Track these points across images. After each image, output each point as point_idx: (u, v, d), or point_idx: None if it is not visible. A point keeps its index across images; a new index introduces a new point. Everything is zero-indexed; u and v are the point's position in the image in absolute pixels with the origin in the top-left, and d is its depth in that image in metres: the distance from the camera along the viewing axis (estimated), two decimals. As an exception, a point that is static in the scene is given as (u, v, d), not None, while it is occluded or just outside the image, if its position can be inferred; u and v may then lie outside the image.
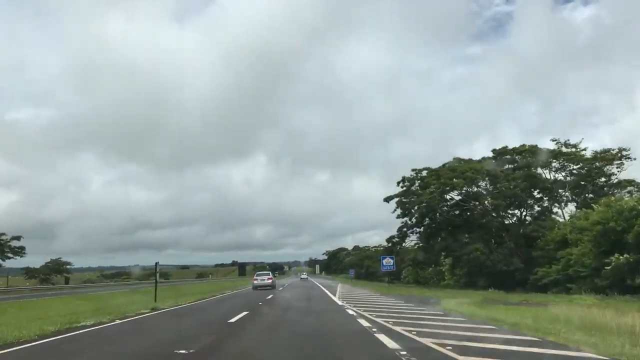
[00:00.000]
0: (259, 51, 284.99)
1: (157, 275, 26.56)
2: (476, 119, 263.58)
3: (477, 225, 44.80)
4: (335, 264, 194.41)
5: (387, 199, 48.64)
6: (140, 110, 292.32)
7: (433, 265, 59.58)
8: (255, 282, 43.00)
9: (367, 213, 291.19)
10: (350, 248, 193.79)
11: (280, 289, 41.08)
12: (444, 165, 46.52)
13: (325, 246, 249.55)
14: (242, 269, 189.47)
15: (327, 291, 34.09)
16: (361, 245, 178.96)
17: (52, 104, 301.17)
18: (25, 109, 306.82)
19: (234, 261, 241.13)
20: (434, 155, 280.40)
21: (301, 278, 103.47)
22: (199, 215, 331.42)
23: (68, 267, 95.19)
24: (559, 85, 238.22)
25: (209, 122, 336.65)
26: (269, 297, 27.95)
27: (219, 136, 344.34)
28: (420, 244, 49.10)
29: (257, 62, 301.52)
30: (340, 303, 21.82)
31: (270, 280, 43.32)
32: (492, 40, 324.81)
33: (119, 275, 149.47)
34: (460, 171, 41.73)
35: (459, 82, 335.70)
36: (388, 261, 42.37)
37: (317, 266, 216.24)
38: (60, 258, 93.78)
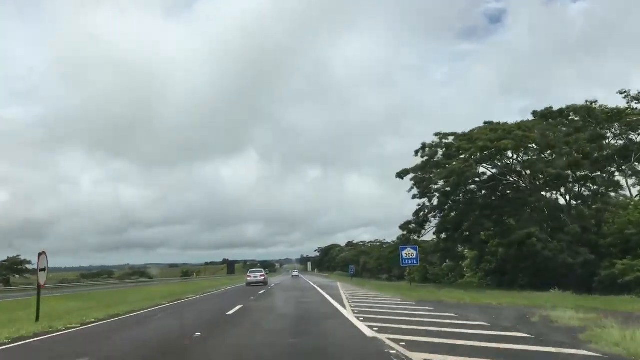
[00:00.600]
0: (250, 46, 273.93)
1: (41, 278, 15.04)
2: (470, 114, 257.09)
3: (520, 205, 33.69)
4: (329, 260, 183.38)
5: (401, 174, 37.29)
6: (129, 106, 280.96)
7: (447, 260, 48.43)
8: (248, 278, 45.32)
9: (359, 211, 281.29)
10: (342, 245, 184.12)
11: (262, 292, 29.78)
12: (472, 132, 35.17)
13: (317, 244, 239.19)
14: (231, 267, 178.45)
15: (327, 296, 22.83)
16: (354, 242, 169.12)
17: (38, 100, 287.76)
18: (11, 106, 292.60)
19: (224, 259, 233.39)
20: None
21: (292, 276, 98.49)
22: (190, 214, 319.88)
23: (27, 266, 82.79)
24: (551, 79, 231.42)
25: (200, 118, 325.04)
26: (233, 310, 16.36)
27: (209, 133, 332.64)
28: (442, 232, 37.65)
29: (249, 57, 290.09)
30: (366, 331, 10.29)
31: (262, 277, 45.38)
32: (486, 35, 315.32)
33: (99, 275, 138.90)
34: (504, 130, 30.47)
35: (453, 78, 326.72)
36: (410, 253, 30.86)
37: (309, 263, 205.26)
38: (18, 256, 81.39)
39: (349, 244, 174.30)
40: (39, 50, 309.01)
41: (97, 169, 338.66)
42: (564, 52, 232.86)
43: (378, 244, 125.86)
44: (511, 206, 33.91)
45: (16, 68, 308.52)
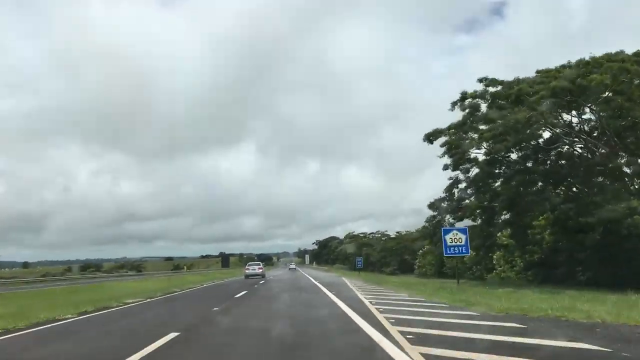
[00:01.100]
0: (248, 36, 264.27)
1: None
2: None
3: (595, 175, 24.49)
4: (327, 253, 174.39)
5: (430, 137, 27.95)
6: (125, 98, 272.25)
7: (482, 251, 39.08)
8: (247, 271, 46.36)
9: (357, 203, 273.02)
10: (341, 237, 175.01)
11: (241, 294, 20.42)
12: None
13: (314, 237, 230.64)
14: (225, 260, 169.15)
15: (340, 303, 13.58)
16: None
17: (32, 91, 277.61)
18: (5, 97, 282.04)
19: (220, 253, 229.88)
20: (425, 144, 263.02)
21: (289, 269, 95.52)
22: (187, 207, 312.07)
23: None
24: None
25: (196, 110, 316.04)
26: (165, 339, 7.17)
27: (206, 124, 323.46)
28: (482, 213, 28.35)
29: (247, 48, 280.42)
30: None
31: (260, 270, 46.61)
32: (485, 26, 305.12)
33: (87, 268, 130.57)
34: (595, 64, 21.05)
35: (453, 69, 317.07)
36: (456, 238, 21.19)
37: (307, 256, 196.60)
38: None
39: (349, 235, 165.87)
40: (33, 41, 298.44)
41: (93, 161, 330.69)
42: (565, 43, 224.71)
43: (379, 234, 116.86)
44: (584, 176, 24.61)
45: (10, 59, 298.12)
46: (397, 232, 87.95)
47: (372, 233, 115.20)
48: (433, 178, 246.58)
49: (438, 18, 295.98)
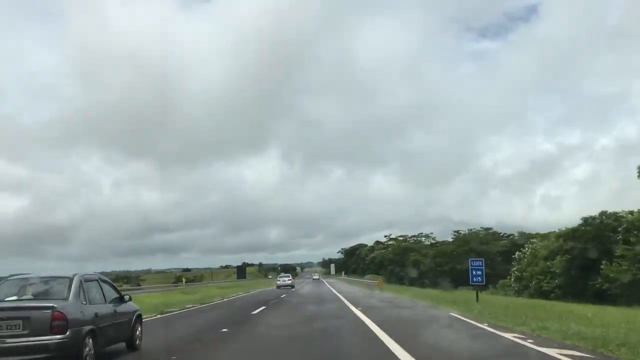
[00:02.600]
0: (270, 37, 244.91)
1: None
2: (502, 107, 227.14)
3: None
4: (355, 262, 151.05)
5: None
6: (146, 103, 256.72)
7: None
8: (278, 282, 48.80)
9: (383, 211, 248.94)
10: (370, 244, 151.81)
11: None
12: None
13: (338, 247, 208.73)
14: (241, 271, 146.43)
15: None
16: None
17: (52, 98, 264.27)
18: (24, 104, 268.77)
19: (243, 263, 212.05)
20: (458, 147, 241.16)
21: (313, 279, 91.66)
22: (210, 216, 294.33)
23: None
24: (587, 70, 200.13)
25: (219, 114, 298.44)
26: None
27: (229, 129, 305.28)
28: None
29: (269, 49, 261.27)
30: None
31: (290, 281, 48.24)
32: (518, 26, 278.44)
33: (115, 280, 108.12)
34: None
35: (484, 69, 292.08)
36: None
37: (332, 265, 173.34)
38: None
39: (377, 243, 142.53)
40: (51, 47, 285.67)
41: (115, 169, 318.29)
42: (601, 41, 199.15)
43: (423, 237, 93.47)
44: None
45: (29, 65, 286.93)
46: (456, 232, 64.54)
47: (414, 236, 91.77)
48: (462, 183, 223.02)
49: (468, 17, 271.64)
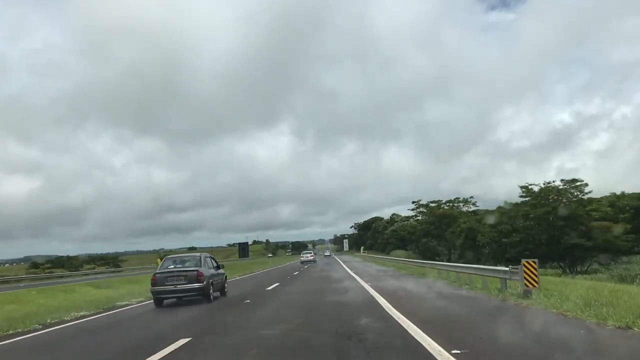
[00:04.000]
0: (282, 4, 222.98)
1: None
2: (522, 79, 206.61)
3: None
4: (372, 237, 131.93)
5: None
6: (155, 78, 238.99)
7: None
8: (302, 258, 54.74)
9: (396, 187, 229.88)
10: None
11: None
12: None
13: (350, 223, 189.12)
14: (243, 250, 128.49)
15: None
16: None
17: (59, 75, 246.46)
18: (29, 80, 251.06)
19: (253, 241, 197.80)
20: (475, 119, 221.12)
21: (325, 255, 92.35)
22: (222, 195, 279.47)
23: None
24: (611, 35, 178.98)
25: (229, 87, 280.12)
26: None
27: (239, 103, 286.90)
28: None
29: (281, 16, 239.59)
30: None
31: (312, 257, 55.55)
32: None
33: (57, 264, 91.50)
34: None
35: (503, 36, 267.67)
36: None
37: (346, 241, 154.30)
38: None
39: (395, 215, 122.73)
40: (56, 22, 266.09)
41: (125, 147, 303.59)
42: (625, 6, 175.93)
43: (461, 204, 73.44)
44: None
45: (34, 42, 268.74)
46: (524, 188, 43.70)
47: (450, 201, 71.29)
48: (478, 157, 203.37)
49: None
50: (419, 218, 73.90)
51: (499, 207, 44.49)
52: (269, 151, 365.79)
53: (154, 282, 12.84)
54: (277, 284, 19.31)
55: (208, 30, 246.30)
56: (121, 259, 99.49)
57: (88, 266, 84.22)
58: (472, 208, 69.61)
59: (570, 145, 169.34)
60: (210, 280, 13.35)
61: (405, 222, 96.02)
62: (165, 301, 13.13)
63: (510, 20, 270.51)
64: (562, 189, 42.30)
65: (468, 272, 14.04)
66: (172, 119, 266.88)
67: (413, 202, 74.38)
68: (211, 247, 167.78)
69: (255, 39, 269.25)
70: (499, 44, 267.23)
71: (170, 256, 15.25)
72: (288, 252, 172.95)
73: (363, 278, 19.61)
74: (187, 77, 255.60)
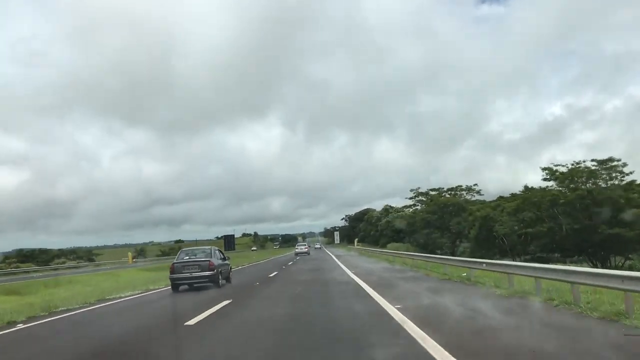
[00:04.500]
0: None
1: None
2: (515, 69, 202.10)
3: None
4: (364, 228, 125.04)
5: None
6: (142, 66, 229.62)
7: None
8: (296, 250, 57.64)
9: (388, 179, 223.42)
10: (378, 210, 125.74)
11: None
12: None
13: (341, 217, 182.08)
14: (229, 242, 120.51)
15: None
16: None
17: (43, 63, 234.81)
18: (15, 70, 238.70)
19: (243, 233, 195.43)
20: (466, 111, 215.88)
21: (315, 248, 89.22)
22: (212, 188, 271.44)
23: None
24: (604, 25, 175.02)
25: (219, 77, 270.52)
26: None
27: (229, 94, 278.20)
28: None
29: (271, 6, 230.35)
30: None
31: (306, 249, 57.66)
32: None
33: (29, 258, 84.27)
34: None
35: (497, 26, 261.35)
36: None
37: (337, 233, 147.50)
38: None
39: (389, 207, 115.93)
40: (43, 8, 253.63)
41: (112, 138, 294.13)
42: None
43: (464, 192, 67.04)
44: None
45: (18, 30, 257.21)
46: (547, 170, 37.00)
47: (451, 189, 64.64)
48: (471, 149, 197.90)
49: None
50: (418, 207, 67.24)
51: (523, 191, 37.63)
52: (259, 143, 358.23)
53: (172, 270, 14.91)
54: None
55: (198, 19, 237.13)
56: (95, 253, 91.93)
57: (58, 260, 76.74)
58: (476, 197, 63.32)
59: (562, 138, 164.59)
60: (219, 269, 15.60)
61: (400, 213, 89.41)
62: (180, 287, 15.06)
63: (502, 12, 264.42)
64: (594, 169, 35.71)
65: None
66: (161, 109, 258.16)
67: (411, 191, 67.58)
68: (196, 239, 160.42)
69: (245, 27, 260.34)
70: (492, 36, 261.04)
71: (185, 249, 17.69)
72: (276, 245, 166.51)
73: (385, 296, 11.22)
74: (177, 67, 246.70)
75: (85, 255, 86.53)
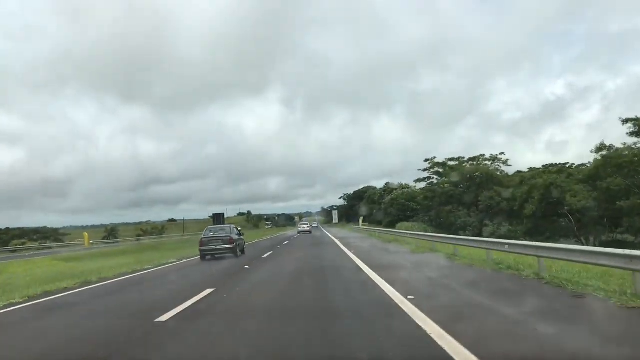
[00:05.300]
0: None
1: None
2: (520, 47, 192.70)
3: None
4: (366, 206, 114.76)
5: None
6: (139, 42, 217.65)
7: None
8: (299, 228, 61.82)
9: (387, 158, 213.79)
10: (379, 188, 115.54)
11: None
12: None
13: (339, 196, 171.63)
14: (218, 221, 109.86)
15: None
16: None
17: (36, 38, 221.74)
18: (6, 45, 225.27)
19: (238, 213, 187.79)
20: (469, 89, 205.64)
21: (312, 227, 73.84)
22: (210, 167, 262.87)
23: None
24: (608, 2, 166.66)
25: (217, 52, 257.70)
26: None
27: (226, 69, 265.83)
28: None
29: None
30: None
31: (308, 228, 60.70)
32: None
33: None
34: None
35: (500, 2, 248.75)
36: None
37: (335, 212, 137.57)
38: None
39: (387, 185, 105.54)
40: None
41: (107, 115, 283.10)
42: None
43: (489, 162, 56.75)
44: None
45: (9, 4, 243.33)
46: (637, 120, 26.58)
47: (472, 159, 54.16)
48: (472, 127, 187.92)
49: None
50: (434, 180, 56.78)
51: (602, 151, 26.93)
52: (257, 121, 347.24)
53: (202, 244, 19.38)
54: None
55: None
56: (63, 233, 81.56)
57: (17, 241, 66.44)
58: (503, 167, 52.99)
59: (562, 117, 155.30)
60: (237, 243, 20.13)
61: (405, 190, 79.18)
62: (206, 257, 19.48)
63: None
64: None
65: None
66: (157, 85, 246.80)
67: (426, 161, 57.02)
68: (183, 219, 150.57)
69: (243, 1, 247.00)
70: (494, 13, 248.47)
71: (210, 227, 21.63)
72: (268, 225, 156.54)
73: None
74: (173, 42, 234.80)
75: (52, 235, 76.20)
